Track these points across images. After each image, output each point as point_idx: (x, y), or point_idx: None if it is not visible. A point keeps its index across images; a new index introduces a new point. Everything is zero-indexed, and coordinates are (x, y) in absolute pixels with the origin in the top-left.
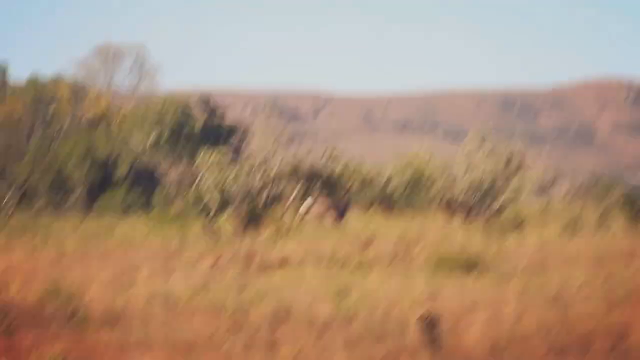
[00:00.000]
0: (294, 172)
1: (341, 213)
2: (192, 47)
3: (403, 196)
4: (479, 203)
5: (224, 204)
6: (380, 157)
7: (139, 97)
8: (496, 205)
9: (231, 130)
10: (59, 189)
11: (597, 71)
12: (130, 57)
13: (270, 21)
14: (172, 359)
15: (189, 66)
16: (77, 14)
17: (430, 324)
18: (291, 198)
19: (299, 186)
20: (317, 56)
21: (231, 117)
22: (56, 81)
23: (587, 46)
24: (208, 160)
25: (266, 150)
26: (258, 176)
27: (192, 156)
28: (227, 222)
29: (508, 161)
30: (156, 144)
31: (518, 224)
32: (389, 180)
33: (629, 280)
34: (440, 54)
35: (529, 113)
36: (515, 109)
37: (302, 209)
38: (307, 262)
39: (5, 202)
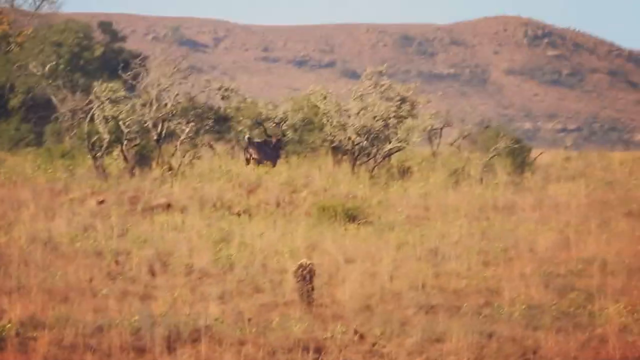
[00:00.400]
0: (189, 109)
1: (275, 158)
2: None
3: (294, 137)
4: (369, 147)
5: (115, 141)
6: (277, 93)
7: (41, 19)
8: (385, 151)
9: (131, 59)
10: None
11: (497, 10)
12: None
13: None
14: (48, 306)
15: None
16: None
17: (306, 277)
18: (183, 136)
19: (191, 124)
20: None
21: (132, 45)
22: None
23: None
24: (102, 92)
25: (162, 83)
26: (152, 111)
27: (90, 85)
28: (117, 160)
29: (401, 103)
30: (54, 71)
31: (405, 171)
32: (282, 120)
33: (506, 234)
34: None
35: (427, 51)
36: (414, 47)
37: (246, 154)
38: (192, 207)
39: None
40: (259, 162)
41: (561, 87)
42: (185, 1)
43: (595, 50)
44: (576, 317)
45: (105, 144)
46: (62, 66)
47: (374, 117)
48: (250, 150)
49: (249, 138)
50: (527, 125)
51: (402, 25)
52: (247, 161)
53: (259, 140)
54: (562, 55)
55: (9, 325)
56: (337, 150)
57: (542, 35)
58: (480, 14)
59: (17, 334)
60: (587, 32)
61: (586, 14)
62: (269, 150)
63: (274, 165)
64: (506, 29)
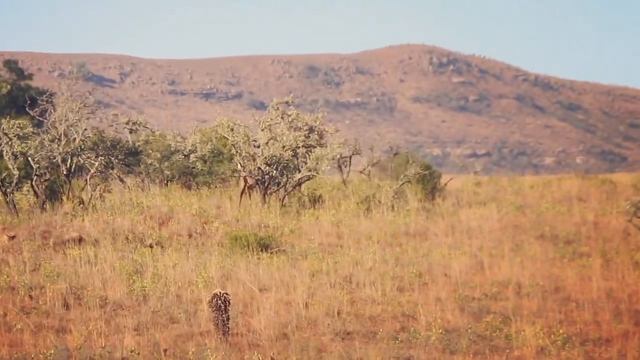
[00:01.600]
0: (98, 143)
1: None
2: None
3: (204, 169)
4: (279, 176)
5: (25, 176)
6: (185, 125)
7: None
8: (295, 180)
9: (37, 95)
10: None
11: (402, 39)
12: None
13: None
14: None
15: None
16: None
17: (220, 306)
18: (92, 170)
19: (100, 158)
20: (124, 24)
21: (38, 82)
22: None
23: (393, 14)
24: (10, 128)
25: (70, 118)
26: (61, 146)
27: None
28: (27, 196)
29: (309, 132)
30: None
31: (316, 200)
32: (190, 151)
33: (420, 260)
34: (245, 23)
35: (332, 81)
36: (320, 76)
37: (242, 184)
38: (104, 240)
39: None
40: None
41: (469, 113)
42: (90, 38)
43: (502, 76)
44: (493, 340)
45: (15, 180)
46: None
47: (283, 147)
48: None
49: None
50: (436, 151)
51: (308, 55)
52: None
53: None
54: (468, 81)
55: None
56: (245, 181)
57: (447, 63)
58: (385, 42)
59: None
60: (492, 58)
61: (491, 40)
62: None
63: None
64: (411, 57)
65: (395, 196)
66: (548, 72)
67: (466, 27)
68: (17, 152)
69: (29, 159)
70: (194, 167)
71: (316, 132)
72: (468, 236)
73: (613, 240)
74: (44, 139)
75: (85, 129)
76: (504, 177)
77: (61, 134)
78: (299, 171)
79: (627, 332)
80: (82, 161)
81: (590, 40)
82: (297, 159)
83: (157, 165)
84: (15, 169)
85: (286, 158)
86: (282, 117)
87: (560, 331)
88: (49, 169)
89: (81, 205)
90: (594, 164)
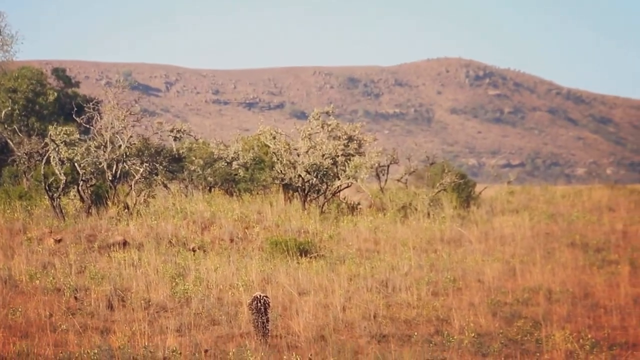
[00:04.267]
0: (142, 150)
1: None
2: (47, 19)
3: (246, 176)
4: (319, 184)
5: (71, 182)
6: (228, 134)
7: None
8: (335, 187)
9: (84, 103)
10: None
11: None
12: None
13: None
14: (9, 341)
15: (45, 38)
16: None
17: (260, 309)
18: (137, 176)
19: (145, 164)
20: (171, 35)
21: (85, 90)
22: None
23: (431, 28)
24: (57, 135)
25: (116, 126)
26: (106, 153)
27: (45, 129)
28: (73, 200)
29: (349, 141)
30: (9, 116)
31: (354, 207)
32: (233, 159)
33: (454, 266)
34: (287, 35)
35: (372, 92)
36: (360, 88)
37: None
38: (148, 244)
39: None
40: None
41: (503, 125)
42: (137, 47)
43: (535, 89)
44: (523, 344)
45: (61, 185)
46: (17, 111)
47: (323, 155)
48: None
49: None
50: (472, 161)
51: (348, 67)
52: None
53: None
54: (503, 94)
55: None
56: (287, 187)
57: (483, 76)
58: (423, 56)
59: None
60: (526, 71)
61: (525, 55)
62: None
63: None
64: (448, 70)
65: (431, 204)
66: (580, 87)
67: (502, 42)
68: (64, 158)
69: (76, 164)
70: (236, 174)
71: (355, 141)
72: (501, 243)
73: None
74: (90, 146)
75: (131, 136)
76: (537, 186)
77: (107, 141)
78: (339, 179)
79: None
80: (127, 167)
81: (622, 56)
82: (337, 167)
83: (200, 172)
84: (62, 175)
85: (326, 166)
86: (322, 127)
87: (589, 336)
88: (95, 175)
89: (126, 210)
90: (624, 175)
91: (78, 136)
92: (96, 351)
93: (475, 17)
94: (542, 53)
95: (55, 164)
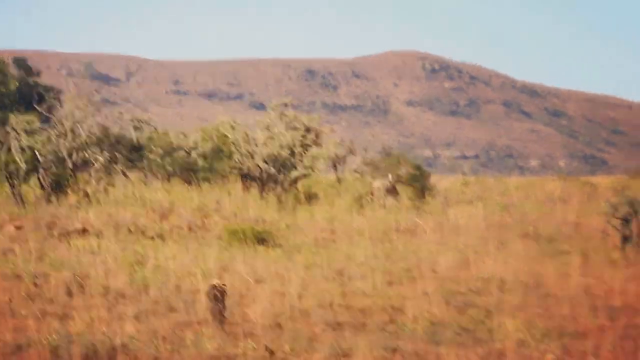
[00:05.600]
0: (103, 139)
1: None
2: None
3: (205, 165)
4: (276, 174)
5: (32, 170)
6: (188, 124)
7: None
8: (292, 177)
9: (45, 92)
10: None
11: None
12: None
13: None
14: None
15: (5, 28)
16: None
17: (217, 297)
18: (97, 165)
19: (105, 153)
20: (131, 25)
21: (46, 80)
22: None
23: (387, 20)
24: (18, 124)
25: (76, 115)
26: (67, 141)
27: (6, 118)
28: (33, 188)
29: (306, 132)
30: None
31: (311, 197)
32: (192, 148)
33: (409, 255)
34: (246, 26)
35: (330, 84)
36: (318, 79)
37: (378, 185)
38: (107, 232)
39: None
40: None
41: (458, 117)
42: (98, 37)
43: (490, 82)
44: (476, 333)
45: (22, 173)
46: None
47: (281, 146)
48: None
49: None
50: (427, 152)
51: (306, 59)
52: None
53: None
54: (459, 87)
55: None
56: (246, 177)
57: (439, 69)
58: (380, 49)
59: None
60: (482, 65)
61: (481, 48)
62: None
63: None
64: (405, 63)
65: (387, 194)
66: (534, 80)
67: (457, 35)
68: (24, 146)
69: (36, 152)
70: (195, 164)
71: (313, 133)
72: (455, 234)
73: (592, 239)
74: (50, 134)
75: (92, 126)
76: (491, 178)
77: (67, 129)
78: (296, 169)
79: (602, 327)
80: (87, 156)
81: (575, 49)
82: (294, 157)
83: (160, 161)
84: (23, 162)
85: (284, 156)
86: (280, 118)
87: (540, 325)
88: (55, 163)
89: (86, 198)
90: (577, 167)
91: (39, 125)
92: (55, 337)
93: (431, 11)
94: (497, 46)
95: (16, 151)
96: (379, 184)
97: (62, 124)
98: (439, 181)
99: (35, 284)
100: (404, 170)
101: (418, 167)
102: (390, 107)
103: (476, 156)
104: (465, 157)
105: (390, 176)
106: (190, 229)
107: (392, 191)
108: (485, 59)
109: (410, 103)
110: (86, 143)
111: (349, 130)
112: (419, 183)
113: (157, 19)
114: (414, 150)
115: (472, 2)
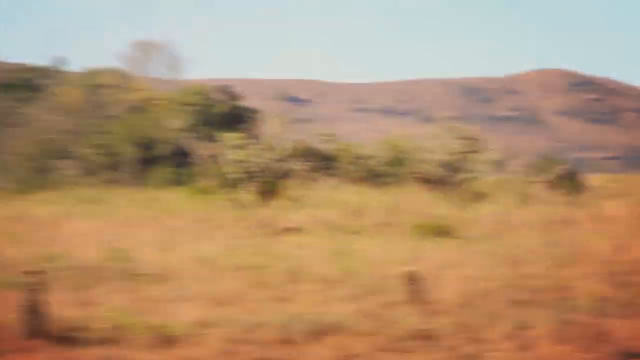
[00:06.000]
0: (300, 151)
1: None
2: (208, 44)
3: (386, 171)
4: (447, 177)
5: (244, 178)
6: (367, 138)
7: (168, 85)
8: (461, 180)
9: (248, 114)
10: (112, 165)
11: (542, 64)
12: (164, 51)
13: (274, 20)
14: (207, 309)
15: (209, 60)
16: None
17: (413, 281)
18: (299, 173)
19: (303, 163)
20: (314, 51)
21: (245, 103)
22: (106, 72)
23: (534, 41)
24: (230, 140)
25: (276, 132)
26: (271, 154)
27: (216, 137)
28: (247, 194)
29: (470, 141)
30: (187, 126)
31: (479, 196)
32: (374, 157)
33: (571, 242)
34: (415, 48)
35: (486, 99)
36: (475, 95)
37: (537, 184)
38: (312, 229)
39: (70, 177)
40: None
41: (601, 124)
42: (288, 65)
43: (626, 93)
44: (637, 306)
45: (236, 181)
46: (193, 121)
47: (450, 153)
48: None
49: None
50: (576, 155)
51: (463, 78)
52: None
53: None
54: (599, 98)
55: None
56: (422, 180)
57: (579, 83)
58: (526, 67)
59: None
60: (615, 78)
61: (612, 63)
62: None
63: None
64: (549, 78)
65: (545, 191)
66: None
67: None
68: (235, 159)
69: (247, 164)
70: (378, 170)
71: (475, 141)
72: (607, 223)
73: None
74: (256, 149)
75: (289, 140)
76: (633, 176)
77: (270, 144)
78: (464, 172)
79: None
80: (290, 166)
81: None
82: (462, 162)
83: (350, 168)
84: (236, 173)
85: (453, 161)
86: (447, 129)
87: None
88: (263, 173)
89: (291, 201)
90: None
91: (246, 141)
92: (282, 317)
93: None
94: (628, 61)
95: (228, 164)
96: (538, 182)
97: (265, 140)
98: (589, 179)
99: (258, 275)
100: (558, 170)
101: (570, 167)
102: (541, 118)
103: (618, 157)
104: (609, 159)
105: (547, 176)
106: (381, 225)
107: (549, 188)
108: (616, 73)
109: (557, 113)
110: (287, 155)
111: (506, 139)
112: (572, 181)
113: (338, 47)
114: (564, 154)
115: (602, 23)
